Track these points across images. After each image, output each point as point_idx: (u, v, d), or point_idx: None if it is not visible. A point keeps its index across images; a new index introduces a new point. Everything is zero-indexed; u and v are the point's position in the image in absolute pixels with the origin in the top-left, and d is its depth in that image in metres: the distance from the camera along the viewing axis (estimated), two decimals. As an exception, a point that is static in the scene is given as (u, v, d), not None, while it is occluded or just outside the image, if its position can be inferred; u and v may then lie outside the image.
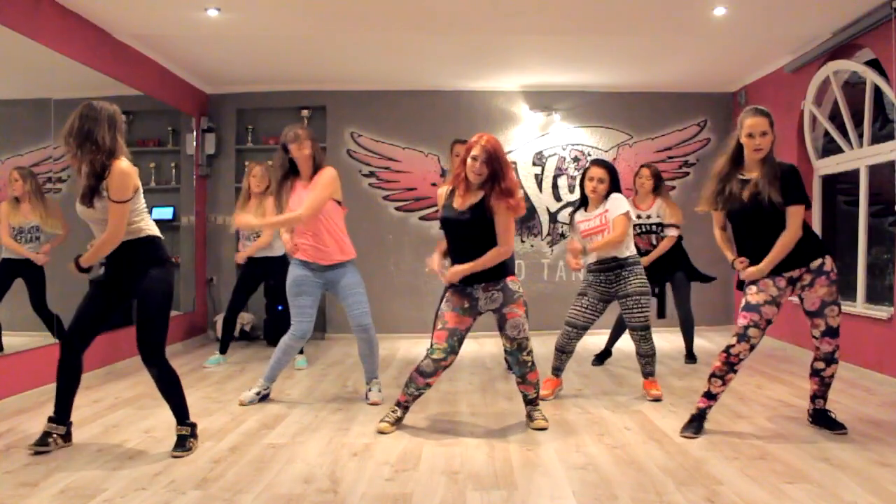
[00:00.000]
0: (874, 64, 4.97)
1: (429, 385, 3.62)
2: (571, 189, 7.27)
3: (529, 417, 3.70)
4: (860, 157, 5.21)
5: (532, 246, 7.30)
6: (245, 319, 6.72)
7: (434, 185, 7.14)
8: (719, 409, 3.92)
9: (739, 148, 3.39)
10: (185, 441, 3.21)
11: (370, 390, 4.24)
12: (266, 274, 5.57)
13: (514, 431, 3.59)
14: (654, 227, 5.23)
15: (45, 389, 4.21)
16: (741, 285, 3.49)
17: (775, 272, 3.36)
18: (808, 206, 3.35)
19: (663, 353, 5.71)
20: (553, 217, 7.32)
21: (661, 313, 5.56)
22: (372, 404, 4.13)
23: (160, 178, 6.51)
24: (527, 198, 7.28)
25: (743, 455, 3.13)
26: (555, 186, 7.34)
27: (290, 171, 4.12)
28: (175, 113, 6.60)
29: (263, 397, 4.25)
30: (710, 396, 3.48)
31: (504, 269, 3.56)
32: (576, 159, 7.31)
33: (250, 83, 7.03)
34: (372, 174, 7.24)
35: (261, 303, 6.75)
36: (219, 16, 4.94)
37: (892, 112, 5.13)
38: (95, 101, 3.13)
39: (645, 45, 5.84)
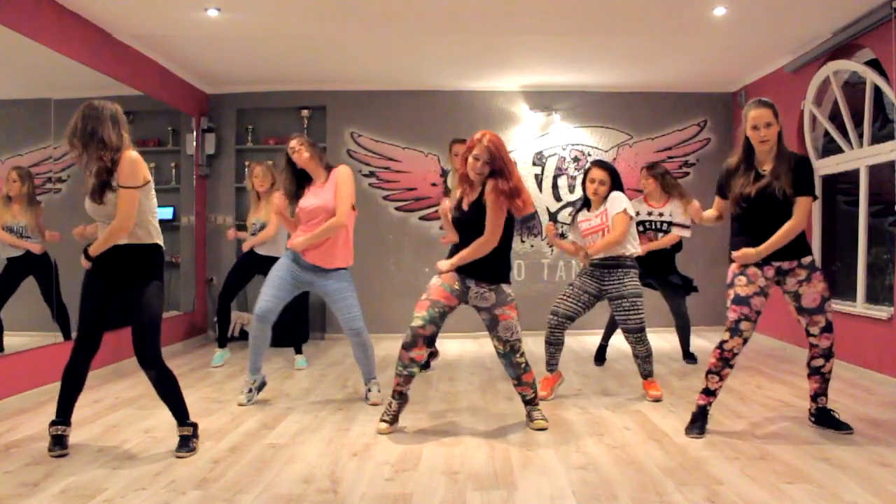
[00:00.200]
0: (874, 64, 4.97)
1: (414, 361, 3.52)
2: (571, 189, 7.27)
3: (529, 417, 3.70)
4: (860, 157, 5.21)
5: (532, 246, 7.30)
6: (245, 319, 6.72)
7: (434, 185, 7.15)
8: (719, 409, 3.92)
9: (749, 143, 3.40)
10: (188, 441, 3.21)
11: (369, 391, 4.24)
12: (265, 271, 5.58)
13: (514, 431, 3.59)
14: (662, 226, 5.20)
15: (45, 389, 4.21)
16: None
17: (766, 261, 3.37)
18: (815, 198, 3.37)
19: (663, 353, 5.71)
20: (553, 217, 7.32)
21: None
22: (372, 405, 4.13)
23: (160, 178, 6.51)
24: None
25: (743, 455, 3.12)
26: (555, 186, 7.34)
27: (303, 180, 4.15)
28: (175, 113, 6.60)
29: (260, 387, 4.25)
30: (709, 393, 3.48)
31: (499, 274, 3.54)
32: (576, 159, 7.31)
33: (250, 83, 7.03)
34: (372, 174, 7.24)
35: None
36: (219, 16, 4.94)
37: (892, 112, 5.13)
38: (96, 100, 3.14)
39: (645, 45, 5.84)
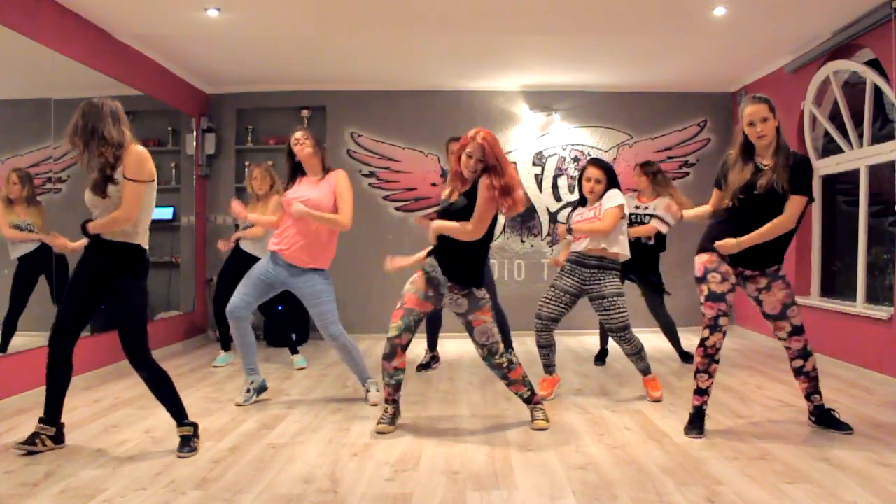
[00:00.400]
0: (874, 64, 4.97)
1: (398, 370, 3.57)
2: (571, 189, 7.27)
3: (531, 417, 3.70)
4: (860, 157, 5.21)
5: (532, 246, 7.30)
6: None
7: (434, 185, 7.15)
8: (719, 409, 3.93)
9: (746, 139, 3.40)
10: (189, 441, 3.21)
11: (368, 391, 4.24)
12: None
13: (514, 431, 3.59)
14: (645, 219, 5.18)
15: (45, 389, 4.20)
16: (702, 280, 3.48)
17: (734, 263, 3.39)
18: (811, 200, 3.36)
19: (662, 354, 5.71)
20: (553, 217, 7.32)
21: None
22: (372, 405, 4.13)
23: (160, 178, 6.36)
24: (527, 198, 7.29)
25: (743, 455, 3.13)
26: (555, 186, 7.34)
27: (297, 172, 4.14)
28: (175, 113, 6.60)
29: (259, 391, 4.25)
30: (702, 392, 3.49)
31: (471, 278, 3.53)
32: (576, 159, 7.31)
33: (250, 83, 7.04)
34: (372, 174, 7.24)
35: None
36: (219, 16, 4.94)
37: (892, 112, 5.13)
38: (96, 98, 3.15)
39: (645, 45, 5.84)
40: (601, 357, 5.50)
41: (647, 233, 5.13)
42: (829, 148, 5.78)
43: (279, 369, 5.37)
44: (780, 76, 6.18)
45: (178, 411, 3.26)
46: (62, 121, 4.45)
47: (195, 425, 3.28)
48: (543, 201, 7.33)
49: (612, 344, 5.52)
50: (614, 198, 4.15)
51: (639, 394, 4.38)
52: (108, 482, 2.82)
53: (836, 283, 5.81)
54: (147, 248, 3.28)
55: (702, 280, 3.45)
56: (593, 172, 4.22)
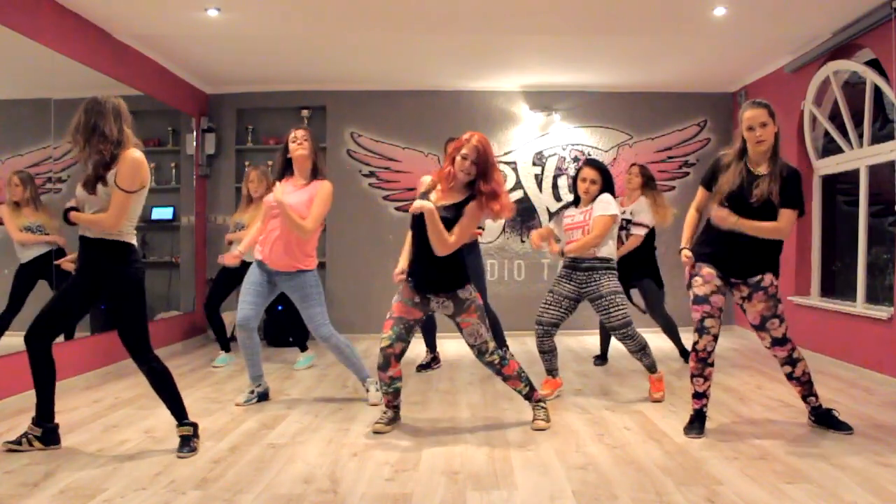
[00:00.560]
0: (874, 64, 4.97)
1: (394, 378, 3.60)
2: (571, 189, 7.27)
3: (532, 417, 3.69)
4: (860, 157, 5.21)
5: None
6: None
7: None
8: (719, 409, 3.93)
9: (745, 144, 3.39)
10: (189, 441, 3.21)
11: (368, 390, 4.23)
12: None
13: (514, 431, 3.59)
14: (623, 223, 5.14)
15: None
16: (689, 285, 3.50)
17: (717, 266, 3.40)
18: (802, 214, 3.36)
19: (662, 353, 5.71)
20: (553, 217, 7.31)
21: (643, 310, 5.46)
22: (372, 405, 4.13)
23: (160, 178, 6.50)
24: (527, 198, 7.29)
25: (743, 455, 3.13)
26: (555, 186, 7.34)
27: (287, 170, 4.10)
28: (175, 113, 6.60)
29: (261, 397, 4.25)
30: (700, 396, 3.49)
31: (455, 280, 3.51)
32: (576, 159, 7.31)
33: (250, 83, 7.04)
34: (372, 174, 7.24)
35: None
36: (219, 16, 4.94)
37: (892, 112, 5.13)
38: (100, 95, 3.13)
39: (645, 45, 5.84)
40: (601, 358, 5.50)
41: (632, 247, 5.11)
42: (829, 148, 5.78)
43: (279, 369, 5.37)
44: (780, 76, 6.18)
45: (178, 410, 3.25)
46: (62, 121, 4.45)
47: (195, 425, 3.28)
48: (543, 201, 7.33)
49: (612, 345, 5.53)
50: (605, 206, 4.14)
51: (639, 394, 4.39)
52: (108, 482, 2.82)
53: (836, 283, 5.81)
54: (135, 243, 3.25)
55: (688, 286, 3.50)
56: (589, 173, 4.22)
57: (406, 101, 7.20)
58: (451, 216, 3.41)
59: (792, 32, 5.42)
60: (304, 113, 7.17)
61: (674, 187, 7.27)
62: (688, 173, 7.33)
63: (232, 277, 5.40)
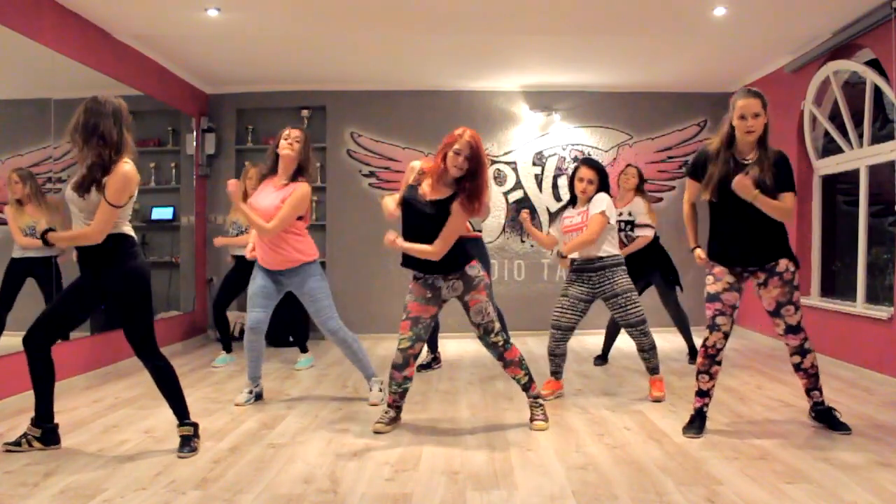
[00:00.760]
0: (874, 64, 4.97)
1: (407, 378, 3.61)
2: (569, 189, 7.26)
3: (530, 417, 3.69)
4: (860, 157, 5.21)
5: (532, 246, 7.30)
6: (244, 319, 6.72)
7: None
8: (719, 409, 3.92)
9: (732, 131, 3.37)
10: (189, 441, 3.21)
11: (370, 389, 4.23)
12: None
13: (514, 431, 3.59)
14: (622, 225, 5.19)
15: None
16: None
17: (733, 262, 3.39)
18: (795, 194, 3.38)
19: (663, 353, 5.69)
20: (553, 217, 7.31)
21: None
22: (372, 405, 4.12)
23: (160, 178, 6.51)
24: (527, 198, 7.29)
25: (743, 455, 3.13)
26: (555, 186, 7.34)
27: (274, 167, 4.07)
28: (175, 113, 6.60)
29: (258, 397, 4.26)
30: (703, 394, 3.49)
31: (461, 259, 3.54)
32: (576, 159, 7.29)
33: (250, 83, 7.04)
34: (372, 174, 7.24)
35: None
36: (219, 16, 4.94)
37: (892, 112, 5.13)
38: (101, 95, 3.11)
39: (645, 45, 5.84)
40: (602, 358, 5.50)
41: (641, 246, 5.13)
42: (829, 148, 5.78)
43: (279, 369, 5.37)
44: (780, 76, 6.18)
45: (180, 409, 3.25)
46: (62, 121, 4.43)
47: (196, 425, 3.28)
48: (543, 201, 7.33)
49: (613, 346, 5.54)
50: (599, 203, 4.15)
51: (639, 394, 4.39)
52: (108, 482, 2.82)
53: (836, 283, 5.81)
54: (133, 235, 3.23)
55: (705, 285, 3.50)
56: (586, 173, 4.22)
57: (406, 101, 7.19)
58: (437, 212, 3.42)
59: (792, 32, 5.41)
60: (304, 113, 7.17)
61: (674, 187, 7.27)
62: (688, 173, 7.32)
63: (239, 277, 5.41)
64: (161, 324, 6.15)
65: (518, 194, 7.30)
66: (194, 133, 6.82)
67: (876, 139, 5.09)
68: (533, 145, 7.34)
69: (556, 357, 4.34)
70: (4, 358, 4.12)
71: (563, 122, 7.31)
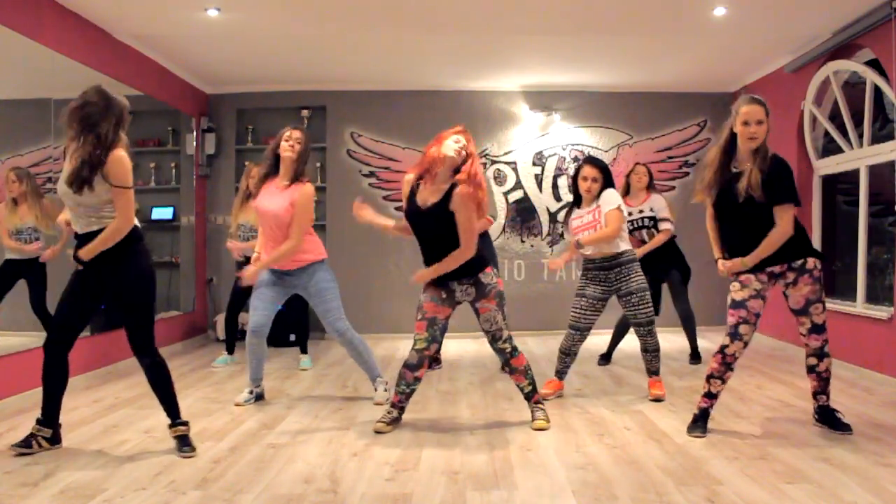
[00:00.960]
0: (874, 64, 4.97)
1: (418, 379, 3.63)
2: (572, 189, 7.26)
3: (532, 417, 3.69)
4: (860, 157, 5.21)
5: (532, 246, 7.30)
6: (245, 319, 6.71)
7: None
8: (719, 408, 3.92)
9: (733, 138, 3.35)
10: (187, 439, 3.21)
11: (376, 389, 4.23)
12: None
13: (514, 431, 3.59)
14: (646, 222, 5.20)
15: (42, 392, 4.21)
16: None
17: (759, 267, 3.35)
18: (798, 205, 3.31)
19: (663, 353, 5.68)
20: (553, 217, 7.32)
21: (656, 311, 5.52)
22: (377, 404, 4.11)
23: (160, 178, 6.51)
24: (527, 198, 7.30)
25: (743, 455, 3.12)
26: (555, 186, 7.34)
27: (274, 169, 4.04)
28: (175, 113, 6.60)
29: (259, 397, 4.26)
30: (711, 396, 3.47)
31: (476, 265, 3.54)
32: (576, 159, 7.30)
33: (250, 83, 7.04)
34: (372, 174, 7.24)
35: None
36: (219, 16, 4.94)
37: (892, 112, 5.13)
38: (110, 92, 3.09)
39: (645, 45, 5.84)
40: (606, 358, 5.49)
41: (662, 241, 5.15)
42: (829, 148, 5.78)
43: (279, 369, 5.37)
44: (780, 76, 6.18)
45: (174, 409, 3.25)
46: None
47: (188, 423, 3.28)
48: (543, 201, 7.33)
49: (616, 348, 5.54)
50: (612, 199, 4.15)
51: (639, 394, 4.39)
52: (108, 482, 2.82)
53: (836, 283, 5.81)
54: (138, 224, 3.23)
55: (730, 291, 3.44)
56: (590, 171, 4.22)
57: (406, 101, 7.19)
58: (442, 212, 3.42)
59: (792, 32, 5.42)
60: (304, 113, 7.17)
61: (674, 187, 7.27)
62: (688, 173, 7.33)
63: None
64: (161, 324, 6.14)
65: (518, 194, 7.31)
66: (194, 133, 6.82)
67: (876, 139, 5.09)
68: (533, 145, 7.34)
69: (568, 356, 4.35)
70: (4, 358, 4.12)
71: (563, 122, 7.31)
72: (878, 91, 5.01)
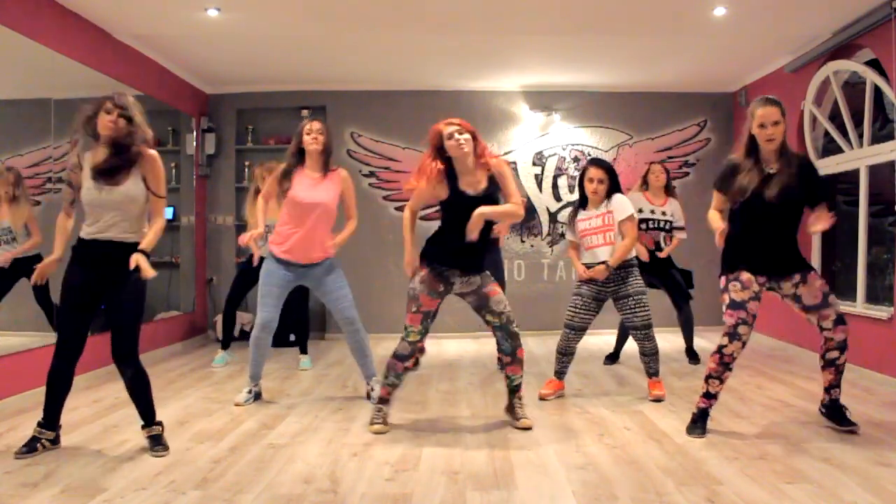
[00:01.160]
0: (874, 64, 4.97)
1: (407, 369, 3.67)
2: (571, 189, 7.26)
3: (514, 415, 3.69)
4: (860, 157, 5.21)
5: (532, 246, 7.30)
6: (245, 319, 6.72)
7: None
8: (719, 408, 3.92)
9: (753, 140, 3.38)
10: (160, 438, 3.22)
11: (372, 389, 4.22)
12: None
13: (514, 431, 3.59)
14: (663, 224, 5.23)
15: (45, 389, 4.20)
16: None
17: (755, 272, 3.36)
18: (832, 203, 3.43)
19: (663, 353, 5.68)
20: (553, 217, 7.32)
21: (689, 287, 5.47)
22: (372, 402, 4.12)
23: (160, 178, 6.50)
24: (527, 198, 7.29)
25: (743, 455, 3.12)
26: (555, 186, 7.34)
27: (299, 163, 4.09)
28: (175, 113, 6.60)
29: (257, 396, 4.25)
30: (710, 396, 3.47)
31: (483, 262, 3.65)
32: (576, 159, 7.31)
33: (250, 83, 7.03)
34: (372, 174, 7.24)
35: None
36: (219, 16, 4.94)
37: (892, 112, 5.13)
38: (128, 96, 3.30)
39: (645, 45, 5.84)
40: (612, 358, 5.48)
41: (676, 248, 5.23)
42: (829, 148, 5.78)
43: (279, 369, 5.37)
44: (780, 76, 6.18)
45: (151, 413, 3.26)
46: (62, 121, 4.45)
47: (161, 423, 3.30)
48: (543, 201, 7.33)
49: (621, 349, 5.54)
50: (626, 207, 4.18)
51: (639, 394, 4.39)
52: (108, 482, 2.82)
53: (836, 283, 5.81)
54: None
55: (724, 290, 3.43)
56: (596, 173, 4.21)
57: (406, 101, 7.19)
58: (493, 193, 3.56)
59: (792, 32, 5.41)
60: (304, 113, 7.16)
61: (674, 187, 7.25)
62: (688, 173, 7.33)
63: (249, 276, 5.39)
64: (161, 324, 6.15)
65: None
66: (194, 133, 6.82)
67: (876, 139, 5.09)
68: (533, 145, 7.34)
69: (565, 356, 4.35)
70: (4, 358, 4.12)
71: (563, 122, 7.31)
72: (878, 91, 5.01)
